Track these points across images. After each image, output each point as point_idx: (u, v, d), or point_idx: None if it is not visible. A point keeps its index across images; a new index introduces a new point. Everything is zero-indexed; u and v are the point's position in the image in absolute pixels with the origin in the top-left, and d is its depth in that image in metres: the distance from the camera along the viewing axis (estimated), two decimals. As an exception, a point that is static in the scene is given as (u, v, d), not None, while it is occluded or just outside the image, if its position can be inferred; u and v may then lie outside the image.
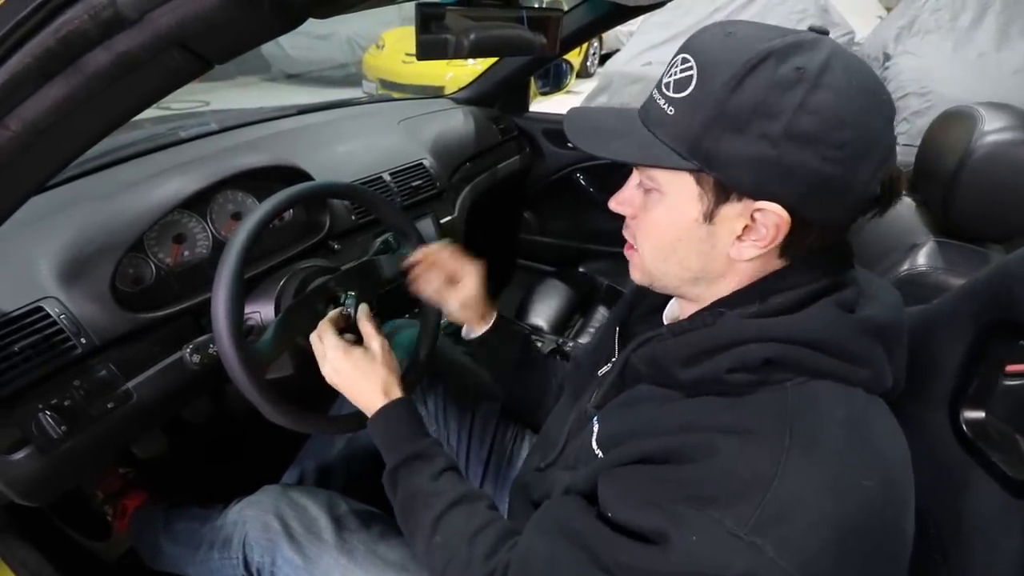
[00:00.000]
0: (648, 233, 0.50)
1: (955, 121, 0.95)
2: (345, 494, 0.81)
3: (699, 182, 0.45)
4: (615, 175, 1.84)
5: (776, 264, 0.47)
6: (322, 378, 0.71)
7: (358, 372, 0.68)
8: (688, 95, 0.43)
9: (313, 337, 0.70)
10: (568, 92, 2.68)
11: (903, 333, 0.49)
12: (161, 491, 1.05)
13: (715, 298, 0.49)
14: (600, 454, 0.51)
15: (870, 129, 0.42)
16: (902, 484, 0.42)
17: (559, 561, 0.47)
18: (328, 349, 0.69)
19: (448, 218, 1.27)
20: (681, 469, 0.42)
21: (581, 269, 1.66)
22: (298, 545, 0.71)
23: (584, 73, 6.25)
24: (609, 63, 4.45)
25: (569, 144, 1.60)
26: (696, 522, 0.39)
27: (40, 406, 0.65)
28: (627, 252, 0.54)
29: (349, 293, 0.75)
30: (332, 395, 0.97)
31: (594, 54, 6.52)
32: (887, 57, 3.54)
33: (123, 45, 0.29)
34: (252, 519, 0.75)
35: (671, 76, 0.45)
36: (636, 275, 0.54)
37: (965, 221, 0.91)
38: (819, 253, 0.46)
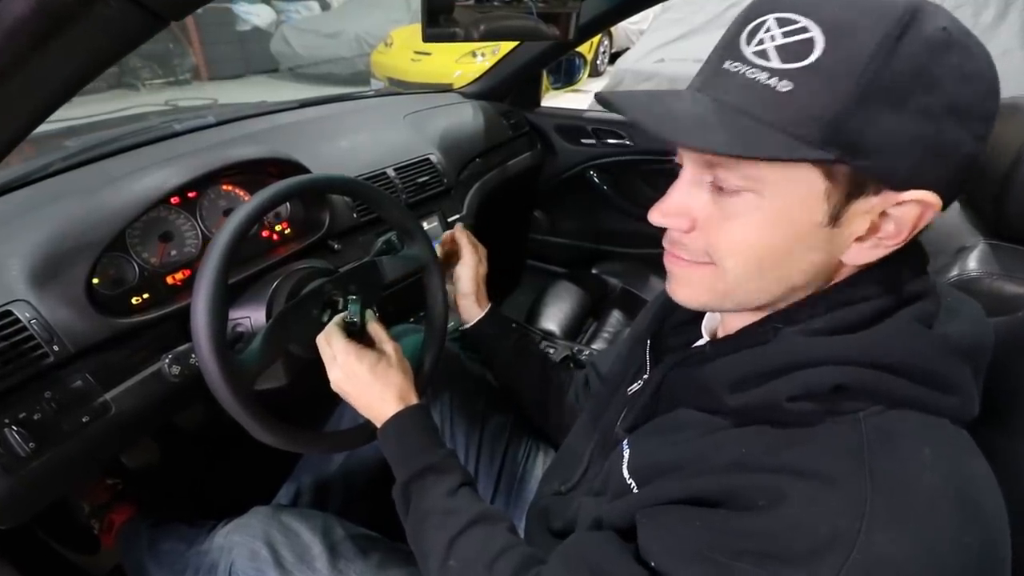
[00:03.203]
0: (740, 247, 0.38)
1: (1008, 114, 0.87)
2: (344, 513, 0.76)
3: (828, 176, 0.35)
4: (629, 172, 1.78)
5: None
6: (319, 389, 0.65)
7: (373, 377, 0.62)
8: (814, 64, 0.33)
9: (320, 340, 0.66)
10: (577, 91, 2.62)
11: (989, 354, 0.41)
12: (150, 504, 0.99)
13: (776, 308, 0.42)
14: (633, 484, 0.45)
15: (1000, 101, 0.36)
16: (1002, 538, 0.35)
17: None
18: (339, 352, 0.64)
19: (456, 216, 1.20)
20: (740, 517, 0.35)
21: (594, 271, 1.59)
22: (288, 575, 0.65)
23: (594, 71, 6.18)
24: (620, 61, 4.38)
25: (583, 140, 1.58)
26: None
27: (6, 421, 0.59)
28: (687, 269, 0.42)
29: (351, 298, 0.70)
30: (329, 408, 0.91)
31: (604, 52, 6.45)
32: (907, 54, 3.46)
33: (42, -13, 0.23)
34: (239, 545, 0.68)
35: (765, 43, 0.35)
36: (703, 298, 0.43)
37: (1022, 221, 0.83)
38: (896, 255, 0.39)
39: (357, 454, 0.88)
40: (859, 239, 0.37)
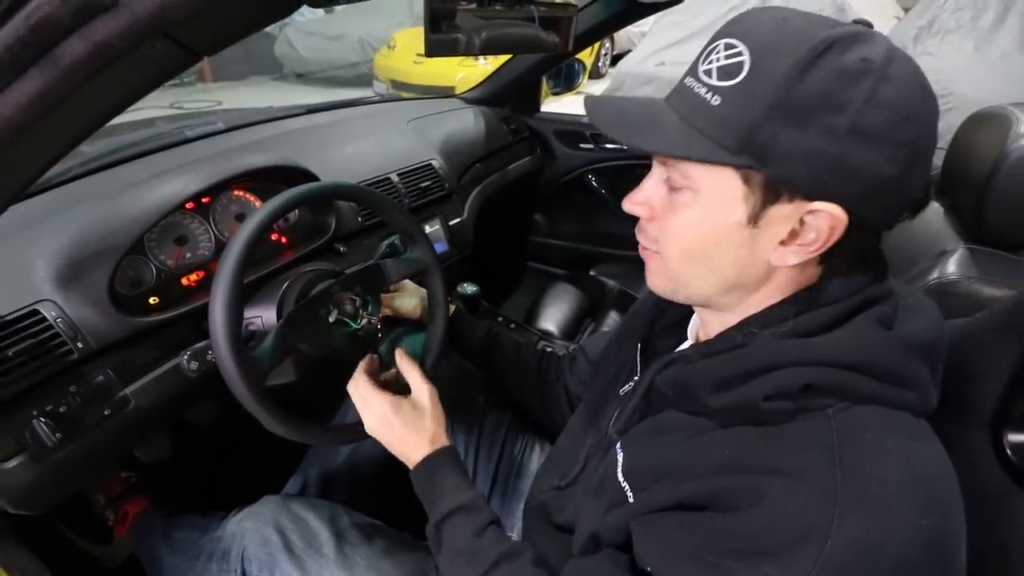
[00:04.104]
0: (677, 237, 0.44)
1: (987, 123, 0.91)
2: (349, 504, 0.79)
3: (746, 180, 0.40)
4: (627, 176, 1.82)
5: (813, 273, 0.44)
6: (326, 385, 0.69)
7: (407, 430, 0.65)
8: (739, 83, 0.38)
9: (351, 389, 0.69)
10: (579, 93, 2.65)
11: (945, 350, 0.45)
12: (163, 496, 1.03)
13: (747, 313, 0.45)
14: (627, 488, 0.48)
15: (930, 127, 0.39)
16: (957, 517, 0.39)
17: None
18: (374, 404, 0.67)
19: (457, 220, 1.24)
20: (726, 518, 0.39)
21: (592, 272, 1.63)
22: (297, 559, 0.69)
23: (595, 74, 6.21)
24: (621, 63, 4.42)
25: (582, 145, 1.62)
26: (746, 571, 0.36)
27: (35, 413, 0.63)
28: (645, 255, 0.49)
29: (391, 336, 0.73)
30: (335, 404, 0.95)
31: (605, 54, 6.48)
32: (906, 58, 3.47)
33: (99, 33, 0.27)
34: (251, 531, 0.72)
35: (712, 63, 0.40)
36: (658, 283, 0.49)
37: (999, 227, 0.87)
38: (855, 263, 0.43)
39: (362, 448, 0.91)
40: (783, 242, 0.41)
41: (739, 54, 0.38)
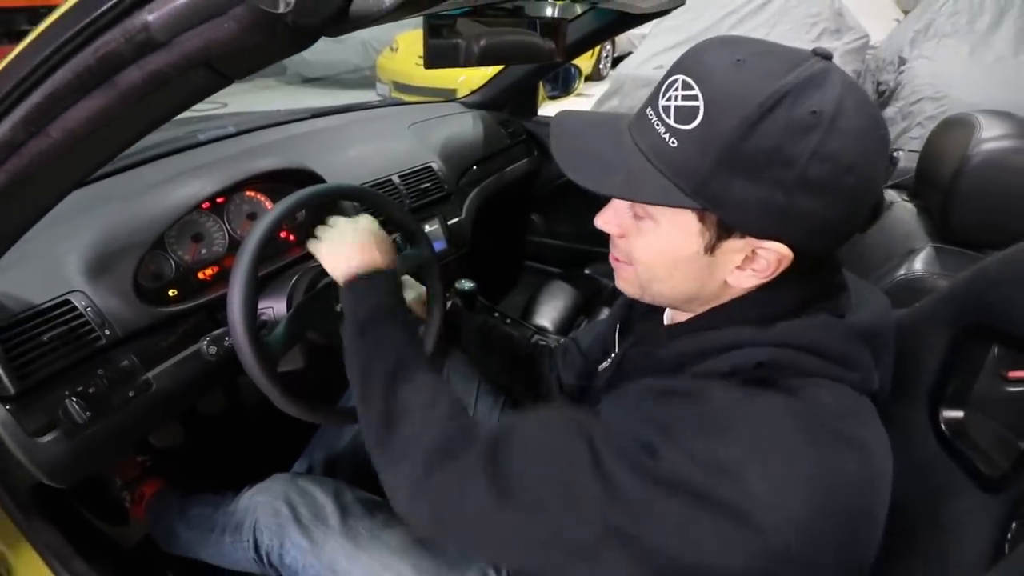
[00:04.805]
0: (642, 256, 0.50)
1: (954, 128, 0.97)
2: (352, 482, 0.85)
3: (701, 219, 0.44)
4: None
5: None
6: (332, 372, 0.74)
7: (372, 247, 0.69)
8: (694, 129, 0.41)
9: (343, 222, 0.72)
10: (579, 95, 2.70)
11: (890, 338, 0.50)
12: (177, 479, 1.09)
13: (711, 306, 0.51)
14: None
15: (874, 171, 0.42)
16: (881, 473, 0.44)
17: (553, 435, 0.47)
18: (363, 219, 0.73)
19: (455, 220, 1.30)
20: (678, 402, 0.45)
21: (587, 271, 1.68)
22: (305, 530, 0.75)
23: (596, 76, 6.27)
24: (621, 66, 4.47)
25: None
26: (689, 443, 0.41)
27: (67, 393, 0.69)
28: (616, 264, 0.54)
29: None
30: (341, 389, 1.01)
31: (606, 57, 6.54)
32: (902, 61, 3.51)
33: (154, 64, 0.33)
34: (262, 505, 0.78)
35: (671, 100, 0.42)
36: (627, 288, 0.54)
37: (963, 227, 0.92)
38: (810, 268, 0.47)
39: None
40: (738, 267, 0.46)
41: (695, 97, 0.40)
